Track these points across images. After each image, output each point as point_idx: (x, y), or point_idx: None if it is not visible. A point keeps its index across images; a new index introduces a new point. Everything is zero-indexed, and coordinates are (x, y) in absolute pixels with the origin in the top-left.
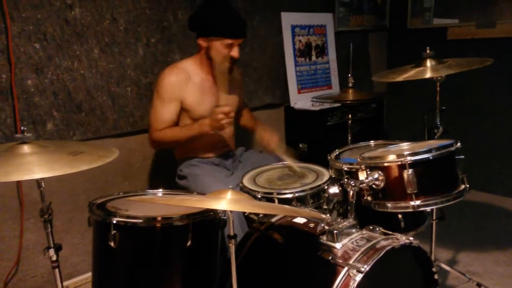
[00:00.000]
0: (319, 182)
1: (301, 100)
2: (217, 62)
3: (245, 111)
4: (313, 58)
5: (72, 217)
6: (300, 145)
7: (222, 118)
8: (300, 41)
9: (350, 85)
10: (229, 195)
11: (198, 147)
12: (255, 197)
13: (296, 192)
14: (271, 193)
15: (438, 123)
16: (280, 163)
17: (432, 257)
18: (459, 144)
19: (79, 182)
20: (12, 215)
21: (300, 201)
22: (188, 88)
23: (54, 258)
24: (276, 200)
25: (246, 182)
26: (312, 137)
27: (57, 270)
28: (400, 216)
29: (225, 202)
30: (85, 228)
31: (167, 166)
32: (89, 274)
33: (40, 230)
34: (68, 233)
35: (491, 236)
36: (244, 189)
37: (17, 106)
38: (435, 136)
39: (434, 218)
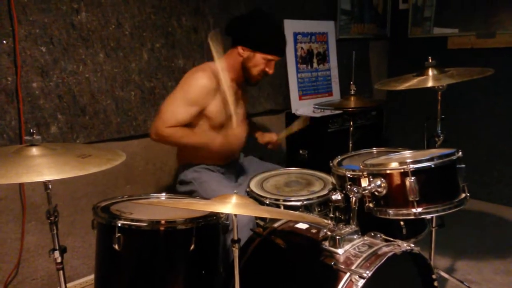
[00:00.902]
0: (327, 191)
1: (302, 107)
2: (251, 73)
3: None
4: (315, 65)
5: (73, 220)
6: (301, 151)
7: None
8: (302, 48)
9: (352, 92)
10: (234, 199)
11: (205, 155)
12: (263, 203)
13: (304, 200)
14: (278, 200)
15: (439, 131)
16: (286, 169)
17: (432, 265)
18: (460, 153)
19: (81, 185)
20: (13, 217)
21: (307, 209)
22: (215, 97)
23: (59, 260)
24: (282, 207)
25: (253, 187)
26: (313, 144)
27: (61, 272)
28: (402, 223)
29: (231, 206)
30: (86, 231)
31: (168, 170)
32: (89, 277)
33: (41, 233)
34: (69, 236)
35: (490, 245)
36: (251, 194)
37: (22, 109)
38: (436, 145)
39: (434, 225)
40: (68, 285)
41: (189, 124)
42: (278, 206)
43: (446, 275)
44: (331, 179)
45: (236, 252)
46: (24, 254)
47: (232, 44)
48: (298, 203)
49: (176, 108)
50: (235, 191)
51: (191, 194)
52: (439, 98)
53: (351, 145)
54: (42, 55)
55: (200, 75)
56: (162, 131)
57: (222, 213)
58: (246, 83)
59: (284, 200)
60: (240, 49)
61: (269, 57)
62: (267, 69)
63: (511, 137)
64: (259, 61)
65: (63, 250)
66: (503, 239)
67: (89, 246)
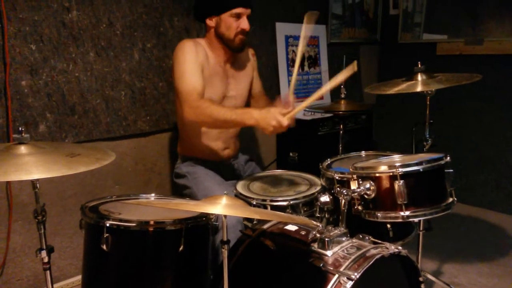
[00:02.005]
0: (313, 191)
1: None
2: (229, 37)
3: (262, 100)
4: (306, 68)
5: (61, 220)
6: (291, 154)
7: (276, 126)
8: (293, 51)
9: (343, 96)
10: (224, 200)
11: (201, 147)
12: (250, 204)
13: (291, 199)
14: (265, 200)
15: (428, 136)
16: (274, 171)
17: (419, 267)
18: (448, 158)
19: (69, 185)
20: None
21: (293, 209)
22: (205, 63)
23: (46, 260)
24: (269, 207)
25: (240, 188)
26: (303, 146)
27: (48, 272)
28: (389, 226)
29: (221, 207)
30: (73, 232)
31: (159, 171)
32: (76, 278)
33: (28, 233)
34: (56, 236)
35: (475, 248)
36: (238, 196)
37: (10, 107)
38: (424, 149)
39: (421, 228)
40: (54, 285)
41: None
42: (265, 206)
43: (433, 278)
44: (317, 180)
45: (225, 253)
46: (10, 254)
47: (202, 24)
48: (285, 203)
49: (188, 78)
50: (225, 192)
51: (184, 188)
52: (428, 103)
53: (340, 148)
54: (31, 53)
55: (186, 42)
56: (197, 104)
57: (211, 214)
58: (233, 51)
59: (271, 200)
60: (208, 22)
61: (235, 11)
62: (241, 26)
63: (497, 143)
64: (229, 21)
65: (50, 250)
66: (489, 243)
67: (77, 246)
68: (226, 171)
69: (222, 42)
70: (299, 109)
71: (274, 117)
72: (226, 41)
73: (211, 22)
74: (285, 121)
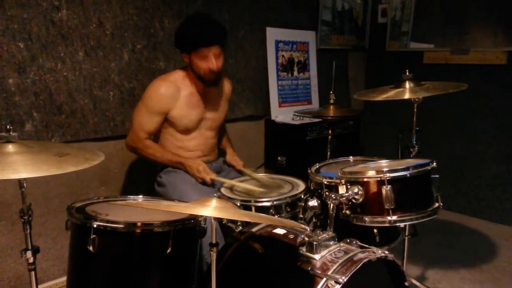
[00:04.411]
0: (295, 192)
1: (281, 114)
2: (199, 74)
3: (223, 131)
4: (295, 73)
5: (45, 221)
6: (279, 158)
7: (202, 176)
8: (283, 56)
9: (332, 101)
10: (214, 202)
11: (182, 155)
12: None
13: (274, 200)
14: (249, 201)
15: (414, 142)
16: (258, 174)
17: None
18: (435, 163)
19: (54, 185)
20: None
21: (277, 209)
22: (176, 103)
23: (31, 260)
24: (253, 208)
25: (224, 191)
26: (291, 151)
27: (33, 273)
28: (375, 230)
29: (211, 209)
30: (58, 232)
31: (145, 173)
32: (59, 280)
33: (11, 233)
34: (40, 237)
35: (459, 255)
36: (222, 198)
37: None
38: (411, 155)
39: (407, 234)
40: (38, 287)
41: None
42: (249, 207)
43: (417, 283)
44: (300, 182)
45: (213, 256)
46: None
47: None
48: (268, 204)
49: (141, 118)
50: (215, 194)
51: (163, 195)
52: (415, 110)
53: (328, 153)
54: (19, 51)
55: (158, 84)
56: (135, 144)
57: (200, 217)
58: (207, 86)
59: (255, 201)
60: (184, 57)
61: (200, 51)
62: (209, 66)
63: (480, 151)
64: (197, 61)
65: (35, 250)
66: (471, 249)
67: (61, 247)
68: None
69: (196, 76)
70: (219, 179)
71: (202, 170)
72: (198, 77)
73: (185, 58)
74: (208, 178)
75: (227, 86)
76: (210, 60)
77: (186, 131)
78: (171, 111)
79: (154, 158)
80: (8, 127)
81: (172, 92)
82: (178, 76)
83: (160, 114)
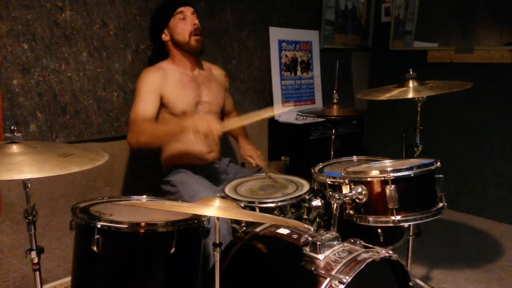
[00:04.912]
0: (300, 192)
1: (285, 113)
2: (184, 40)
3: (234, 115)
4: (298, 73)
5: (50, 221)
6: (282, 158)
7: (206, 128)
8: (286, 55)
9: (335, 101)
10: (217, 202)
11: (184, 153)
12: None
13: (278, 201)
14: (253, 202)
15: (418, 142)
16: (262, 174)
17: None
18: (439, 163)
19: (59, 185)
20: None
21: (281, 210)
22: (167, 83)
23: (36, 260)
24: (258, 209)
25: (228, 191)
26: (295, 150)
27: (37, 273)
28: (379, 230)
29: (215, 209)
30: (62, 233)
31: (149, 173)
32: (64, 280)
33: (16, 233)
34: (45, 237)
35: (464, 254)
36: (226, 198)
37: (0, 106)
38: (415, 155)
39: (411, 234)
40: (43, 287)
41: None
42: (253, 208)
43: (421, 283)
44: (305, 182)
45: (217, 256)
46: None
47: (162, 44)
48: (272, 205)
49: (137, 105)
50: (218, 194)
51: (173, 194)
52: (419, 109)
53: (332, 152)
54: (23, 52)
55: (145, 71)
56: (133, 129)
57: (204, 216)
58: (193, 54)
59: (259, 202)
60: (163, 37)
61: (178, 11)
62: (190, 25)
63: (485, 150)
64: (177, 25)
65: (40, 251)
66: (476, 249)
67: (66, 247)
68: (212, 173)
69: (181, 49)
70: (233, 124)
71: (206, 121)
72: (183, 46)
73: (165, 36)
74: (217, 126)
75: (217, 71)
76: (190, 18)
77: (184, 115)
78: (164, 94)
79: (156, 133)
80: (12, 127)
81: (161, 74)
82: (166, 64)
83: (153, 94)
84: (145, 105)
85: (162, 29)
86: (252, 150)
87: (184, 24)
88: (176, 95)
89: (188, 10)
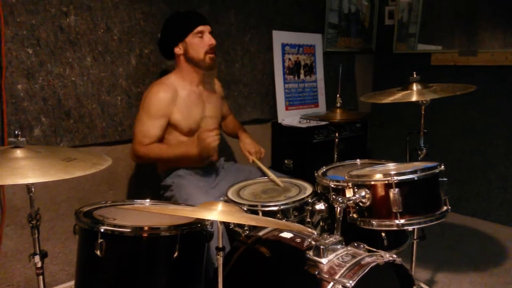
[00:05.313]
0: (303, 196)
1: (288, 117)
2: (199, 58)
3: (230, 118)
4: (302, 76)
5: (54, 225)
6: (286, 161)
7: (209, 137)
8: (289, 59)
9: (338, 105)
10: (220, 206)
11: (183, 159)
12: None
13: (281, 205)
14: (256, 206)
15: (422, 145)
16: (264, 177)
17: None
18: (443, 166)
19: (63, 190)
20: None
21: (284, 214)
22: (176, 104)
23: (39, 265)
24: (261, 213)
25: (230, 195)
26: (298, 154)
27: (41, 277)
28: (383, 234)
29: (217, 213)
30: (66, 237)
31: (153, 177)
32: (68, 284)
33: (20, 238)
34: (49, 241)
35: (468, 258)
36: (229, 202)
37: (5, 110)
38: (419, 158)
39: (415, 237)
40: None
41: (163, 138)
42: (256, 212)
43: (426, 287)
44: (308, 185)
45: (220, 260)
46: (1, 259)
47: (172, 57)
48: (275, 208)
49: (145, 126)
50: (221, 198)
51: (171, 199)
52: (423, 112)
53: (335, 156)
54: (28, 57)
55: (155, 89)
56: (139, 151)
57: (207, 220)
58: (206, 70)
59: (262, 206)
60: (176, 51)
61: (197, 30)
62: (208, 43)
63: (489, 153)
64: (194, 41)
65: (43, 255)
66: (481, 252)
67: (69, 252)
68: (211, 173)
69: (194, 65)
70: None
71: (206, 141)
72: (197, 62)
73: (179, 50)
74: (216, 139)
75: (217, 83)
76: (208, 36)
77: (191, 132)
78: (173, 115)
79: (163, 157)
80: (16, 132)
81: (172, 95)
82: (174, 78)
83: (162, 118)
84: (154, 130)
85: (177, 42)
86: (251, 145)
87: (201, 42)
88: (184, 115)
89: (206, 29)
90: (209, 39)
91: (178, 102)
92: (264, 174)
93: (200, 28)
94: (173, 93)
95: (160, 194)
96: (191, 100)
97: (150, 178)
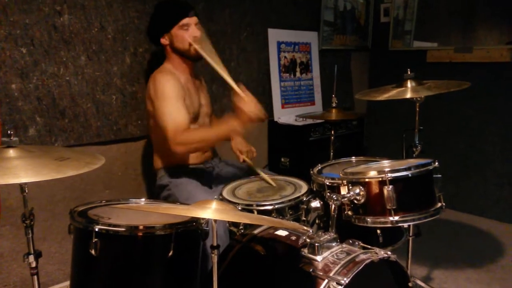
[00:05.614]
0: (298, 194)
1: (284, 115)
2: (184, 48)
3: (213, 117)
4: (298, 74)
5: (50, 225)
6: (282, 159)
7: (250, 97)
8: (285, 57)
9: (334, 105)
10: (214, 205)
11: (183, 154)
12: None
13: (276, 203)
14: (251, 205)
15: (417, 142)
16: (258, 176)
17: (408, 273)
18: (437, 163)
19: (58, 189)
20: None
21: (279, 212)
22: (182, 87)
23: (34, 265)
24: (256, 212)
25: (225, 194)
26: (295, 152)
27: (35, 277)
28: (379, 231)
29: (211, 212)
30: (62, 236)
31: (148, 176)
32: (64, 284)
33: (16, 238)
34: (45, 241)
35: (464, 254)
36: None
37: None
38: (414, 155)
39: (411, 234)
40: None
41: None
42: (251, 211)
43: (422, 284)
44: (303, 184)
45: (215, 258)
46: None
47: (159, 46)
48: (270, 207)
49: (174, 111)
50: (215, 196)
51: (168, 198)
52: (417, 109)
53: (331, 153)
54: (22, 56)
55: (162, 76)
56: (180, 139)
57: (202, 219)
58: (192, 60)
59: (257, 205)
60: (162, 41)
61: (181, 22)
62: (193, 33)
63: (485, 150)
64: (179, 34)
65: (38, 255)
66: (477, 249)
67: (65, 251)
68: (205, 173)
69: (180, 55)
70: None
71: (254, 104)
72: (183, 52)
73: (165, 40)
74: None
75: (203, 80)
76: (193, 28)
77: (194, 119)
78: (184, 96)
79: (208, 139)
80: (9, 132)
81: (177, 79)
82: (170, 67)
83: (182, 99)
84: (182, 114)
85: (162, 33)
86: (242, 144)
87: (187, 33)
88: (189, 101)
89: (192, 21)
90: (195, 31)
91: (182, 88)
92: (256, 173)
93: (185, 21)
94: (177, 78)
95: (156, 194)
96: (189, 87)
97: (146, 177)
